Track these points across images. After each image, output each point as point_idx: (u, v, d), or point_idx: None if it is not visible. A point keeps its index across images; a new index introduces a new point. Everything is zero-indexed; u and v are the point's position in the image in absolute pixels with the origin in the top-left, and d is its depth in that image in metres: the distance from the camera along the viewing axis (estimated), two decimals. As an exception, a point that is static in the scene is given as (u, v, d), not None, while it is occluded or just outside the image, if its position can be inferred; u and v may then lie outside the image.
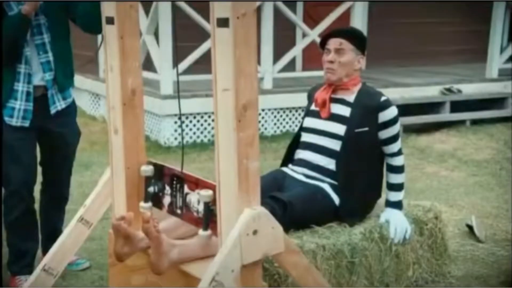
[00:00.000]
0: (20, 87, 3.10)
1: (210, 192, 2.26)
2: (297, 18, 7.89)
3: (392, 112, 2.99)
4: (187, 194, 2.46)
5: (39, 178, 3.39)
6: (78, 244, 2.70)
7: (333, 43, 3.00)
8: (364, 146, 2.98)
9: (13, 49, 3.02)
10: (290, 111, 7.34)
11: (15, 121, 3.13)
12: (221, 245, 2.13)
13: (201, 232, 2.33)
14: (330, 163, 3.00)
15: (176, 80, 6.92)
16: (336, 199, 2.97)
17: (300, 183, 3.00)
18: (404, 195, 3.14)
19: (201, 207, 2.35)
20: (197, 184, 2.41)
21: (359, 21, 7.52)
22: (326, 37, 3.07)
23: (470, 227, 4.07)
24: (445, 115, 7.59)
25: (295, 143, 3.20)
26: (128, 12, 2.49)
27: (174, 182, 2.52)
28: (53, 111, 3.20)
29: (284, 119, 7.34)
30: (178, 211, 2.52)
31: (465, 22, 9.63)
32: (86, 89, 8.35)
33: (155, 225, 2.34)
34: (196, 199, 2.40)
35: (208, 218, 2.30)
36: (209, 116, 6.83)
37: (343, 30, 3.10)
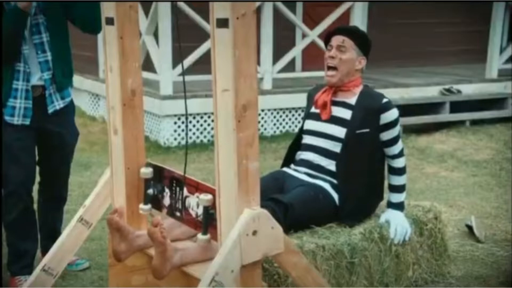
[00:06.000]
0: (20, 85, 3.10)
1: (209, 196, 2.26)
2: (296, 18, 7.88)
3: (393, 114, 2.99)
4: (186, 197, 2.46)
5: (38, 178, 3.39)
6: (77, 244, 2.71)
7: (335, 40, 3.00)
8: (364, 148, 2.97)
9: (11, 45, 3.02)
10: (290, 112, 7.34)
11: (16, 120, 3.13)
12: (221, 246, 2.13)
13: (200, 236, 2.33)
14: (330, 164, 3.00)
15: (175, 80, 6.90)
16: (337, 198, 2.97)
17: (301, 183, 2.99)
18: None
19: (200, 210, 2.34)
20: (197, 187, 2.40)
21: (359, 22, 7.51)
22: (329, 34, 3.06)
23: (469, 227, 4.07)
24: (445, 116, 7.59)
25: (296, 145, 3.20)
26: (127, 12, 2.49)
27: (174, 185, 2.52)
28: (51, 110, 3.20)
29: (283, 120, 7.35)
30: (178, 214, 2.51)
31: (465, 22, 9.63)
32: (86, 90, 8.35)
33: (161, 231, 2.33)
34: (195, 202, 2.39)
35: (208, 222, 2.29)
36: (209, 117, 6.83)
37: (346, 28, 3.10)
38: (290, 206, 2.77)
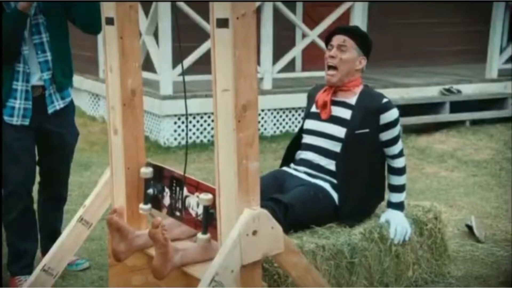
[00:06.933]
0: (19, 86, 3.11)
1: (209, 195, 2.26)
2: (296, 18, 7.88)
3: (393, 114, 2.99)
4: (186, 196, 2.46)
5: (38, 178, 3.39)
6: (77, 244, 2.71)
7: (336, 39, 3.01)
8: (364, 148, 2.97)
9: (11, 46, 3.02)
10: (290, 112, 7.34)
11: (15, 120, 3.13)
12: (221, 245, 2.13)
13: (200, 235, 2.33)
14: (330, 164, 3.00)
15: (175, 80, 6.89)
16: (337, 198, 2.97)
17: (301, 182, 2.99)
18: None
19: (200, 210, 2.34)
20: (197, 187, 2.40)
21: (359, 22, 7.51)
22: (330, 34, 3.06)
23: (469, 227, 4.07)
24: (445, 116, 7.59)
25: (294, 144, 3.20)
26: (127, 12, 2.49)
27: (174, 185, 2.52)
28: (51, 110, 3.20)
29: (283, 120, 7.34)
30: (178, 213, 2.51)
31: (465, 22, 9.63)
32: (86, 90, 8.35)
33: (163, 232, 2.32)
34: (195, 201, 2.39)
35: (208, 222, 2.29)
36: (209, 117, 6.83)
37: (347, 28, 3.11)
38: (290, 206, 2.77)
